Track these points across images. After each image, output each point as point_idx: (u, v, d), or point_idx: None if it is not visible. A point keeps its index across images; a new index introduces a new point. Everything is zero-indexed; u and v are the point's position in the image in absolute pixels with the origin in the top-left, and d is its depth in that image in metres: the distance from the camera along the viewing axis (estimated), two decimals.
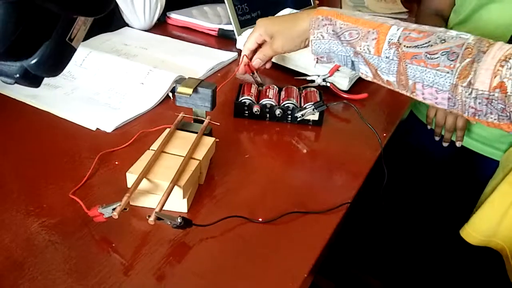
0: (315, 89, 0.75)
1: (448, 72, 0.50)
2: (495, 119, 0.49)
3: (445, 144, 0.98)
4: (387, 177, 0.62)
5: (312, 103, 0.70)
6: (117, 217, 0.44)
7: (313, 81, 0.82)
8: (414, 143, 1.07)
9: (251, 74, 0.77)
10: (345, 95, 0.80)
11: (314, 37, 0.61)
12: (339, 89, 0.81)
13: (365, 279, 1.10)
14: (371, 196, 0.65)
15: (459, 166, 1.04)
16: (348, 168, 0.63)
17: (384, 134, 0.71)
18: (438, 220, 1.04)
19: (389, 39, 0.54)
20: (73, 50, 0.34)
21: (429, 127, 0.99)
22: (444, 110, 0.94)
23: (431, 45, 0.51)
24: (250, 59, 0.75)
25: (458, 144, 0.96)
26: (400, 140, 0.91)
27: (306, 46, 0.67)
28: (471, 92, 0.49)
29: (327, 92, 0.79)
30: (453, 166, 1.05)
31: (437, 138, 0.99)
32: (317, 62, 0.65)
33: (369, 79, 0.59)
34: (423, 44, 0.52)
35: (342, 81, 0.81)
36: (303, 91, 0.75)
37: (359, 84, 0.84)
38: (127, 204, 0.46)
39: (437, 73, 0.51)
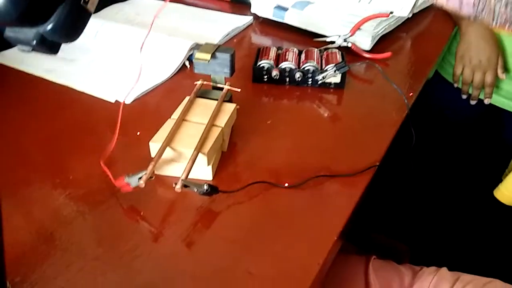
0: (337, 50, 0.72)
1: None
2: None
3: (472, 102, 0.94)
4: (415, 138, 0.60)
5: (334, 64, 0.67)
6: (144, 185, 0.44)
7: (333, 42, 0.79)
8: (440, 103, 1.04)
9: None
10: (367, 55, 0.77)
11: None
12: (361, 49, 0.78)
13: (391, 243, 1.09)
14: (398, 158, 0.63)
15: (487, 125, 1.01)
16: (374, 130, 0.61)
17: (411, 94, 0.68)
18: (467, 181, 1.01)
19: None
20: (89, 13, 0.33)
21: (455, 85, 0.95)
22: (471, 67, 0.91)
23: None
24: None
25: (486, 101, 0.93)
26: (426, 100, 0.87)
27: None
28: None
29: (348, 53, 0.76)
30: (481, 125, 1.02)
31: (464, 96, 0.95)
32: None
33: None
34: None
35: (364, 40, 0.78)
36: (324, 52, 0.72)
37: (381, 42, 0.81)
38: (152, 172, 0.45)
39: None
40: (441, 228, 1.04)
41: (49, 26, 0.30)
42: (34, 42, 0.30)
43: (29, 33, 0.30)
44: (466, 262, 0.69)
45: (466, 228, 1.02)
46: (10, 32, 0.31)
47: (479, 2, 0.47)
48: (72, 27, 0.31)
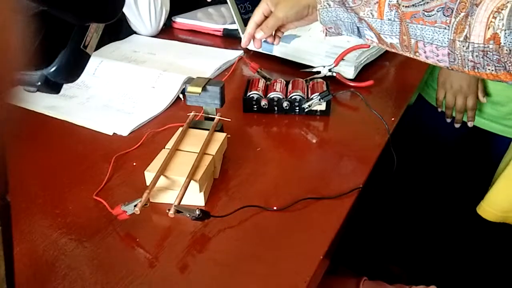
0: (322, 80, 0.76)
1: (445, 28, 0.51)
2: (492, 70, 0.50)
3: (457, 125, 0.98)
4: (399, 162, 0.63)
5: (318, 93, 0.71)
6: (139, 212, 0.46)
7: (319, 72, 0.83)
8: (425, 127, 1.08)
9: (255, 72, 0.79)
10: (351, 84, 0.81)
11: (321, 5, 0.62)
12: (345, 78, 0.82)
13: (385, 265, 1.11)
14: (383, 182, 0.66)
15: (471, 147, 1.04)
16: (358, 154, 0.64)
17: (393, 119, 0.72)
18: (453, 201, 1.04)
19: (389, 1, 0.55)
20: (88, 56, 0.37)
21: (439, 109, 0.99)
22: (453, 92, 0.95)
23: (427, 2, 0.52)
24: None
25: (470, 124, 0.96)
26: (411, 124, 0.91)
27: (308, 16, 0.67)
28: (468, 46, 0.50)
29: (334, 82, 0.80)
30: (465, 147, 1.05)
31: (448, 120, 0.99)
32: (326, 35, 0.66)
33: (374, 44, 0.61)
34: (420, 2, 0.53)
35: (347, 70, 0.82)
36: (310, 82, 0.77)
37: (365, 71, 0.85)
38: (147, 200, 0.48)
39: (435, 29, 0.52)
40: (429, 247, 1.06)
41: (53, 69, 0.34)
42: (39, 83, 0.34)
43: (34, 75, 0.34)
44: (455, 279, 0.71)
45: (453, 246, 1.04)
46: None
47: (452, 53, 0.52)
48: (74, 69, 0.35)
